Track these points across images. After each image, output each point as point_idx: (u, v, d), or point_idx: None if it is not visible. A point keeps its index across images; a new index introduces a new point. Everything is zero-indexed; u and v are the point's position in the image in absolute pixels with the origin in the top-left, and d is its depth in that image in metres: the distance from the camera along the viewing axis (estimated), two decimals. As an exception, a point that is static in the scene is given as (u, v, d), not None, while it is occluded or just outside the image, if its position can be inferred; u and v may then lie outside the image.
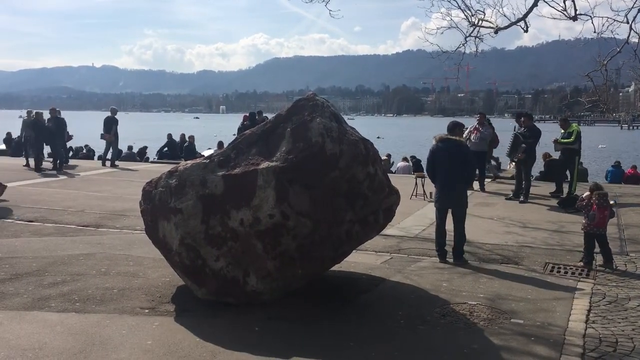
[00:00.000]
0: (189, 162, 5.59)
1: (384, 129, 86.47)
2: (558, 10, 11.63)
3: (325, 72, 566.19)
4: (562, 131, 12.10)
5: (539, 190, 12.85)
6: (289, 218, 4.99)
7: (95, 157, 22.27)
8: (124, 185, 13.42)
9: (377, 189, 5.51)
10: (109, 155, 17.78)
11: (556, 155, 13.23)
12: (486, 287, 5.99)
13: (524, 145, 11.61)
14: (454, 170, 6.96)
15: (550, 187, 13.01)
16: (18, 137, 20.83)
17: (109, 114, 17.99)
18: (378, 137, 50.20)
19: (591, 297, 5.69)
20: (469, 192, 7.59)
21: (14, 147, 21.66)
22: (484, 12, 12.60)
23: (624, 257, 7.34)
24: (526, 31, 12.47)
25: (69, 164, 17.74)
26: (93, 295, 5.43)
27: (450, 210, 7.10)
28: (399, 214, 6.48)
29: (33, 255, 6.82)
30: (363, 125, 55.88)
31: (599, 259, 6.95)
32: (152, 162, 20.88)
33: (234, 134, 17.81)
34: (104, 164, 17.61)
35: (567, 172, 12.59)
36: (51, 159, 16.85)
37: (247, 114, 18.78)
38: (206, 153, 13.36)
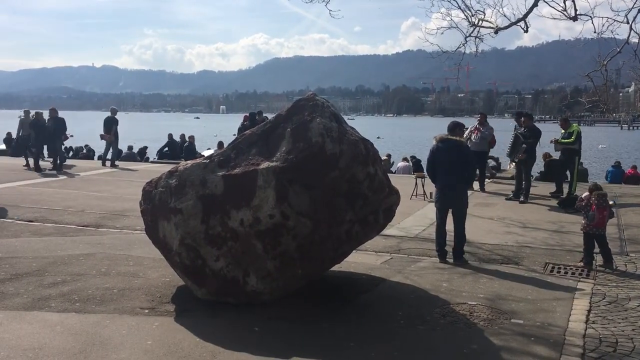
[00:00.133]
0: (189, 162, 5.59)
1: (384, 129, 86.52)
2: (558, 11, 11.66)
3: (325, 72, 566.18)
4: (563, 131, 12.10)
5: (539, 191, 12.84)
6: (289, 218, 4.99)
7: (95, 157, 22.29)
8: (124, 185, 13.41)
9: (377, 189, 5.51)
10: (109, 155, 17.78)
11: (556, 155, 13.23)
12: (486, 287, 5.99)
13: (524, 145, 11.61)
14: (454, 170, 6.96)
15: (550, 187, 13.00)
16: (17, 136, 20.80)
17: (109, 114, 18.00)
18: (378, 137, 50.20)
19: (591, 298, 5.69)
20: (469, 192, 7.58)
21: (14, 147, 21.65)
22: (484, 12, 12.63)
23: (624, 257, 7.34)
24: (526, 31, 12.47)
25: (65, 162, 17.73)
26: (93, 296, 5.43)
27: (450, 211, 7.11)
28: (399, 214, 6.48)
29: (33, 255, 6.82)
30: (363, 125, 55.94)
31: (599, 259, 6.95)
32: (152, 162, 20.89)
33: (234, 134, 17.83)
34: (104, 164, 17.61)
35: (567, 172, 12.59)
36: (50, 159, 16.85)
37: (247, 114, 18.78)
38: (206, 153, 13.36)
